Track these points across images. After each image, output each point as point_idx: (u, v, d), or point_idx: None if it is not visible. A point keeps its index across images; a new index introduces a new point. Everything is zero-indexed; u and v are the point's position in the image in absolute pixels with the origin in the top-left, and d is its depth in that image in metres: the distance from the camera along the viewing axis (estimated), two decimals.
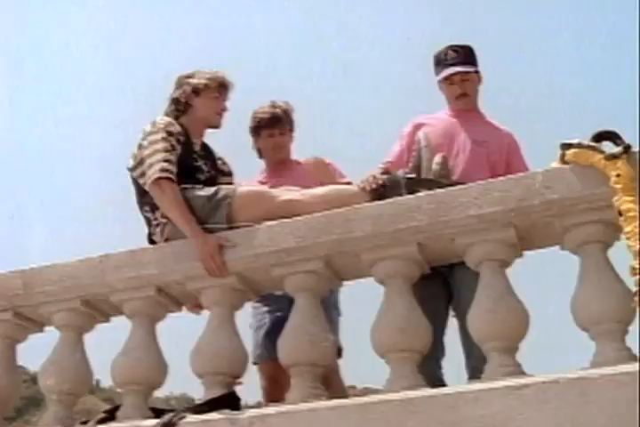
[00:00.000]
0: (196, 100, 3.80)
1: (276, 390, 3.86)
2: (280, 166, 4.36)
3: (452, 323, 3.68)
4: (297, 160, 4.42)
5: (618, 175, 2.77)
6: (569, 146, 3.01)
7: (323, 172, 4.20)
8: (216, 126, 3.89)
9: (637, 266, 2.55)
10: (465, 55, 4.02)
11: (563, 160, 3.02)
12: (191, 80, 3.83)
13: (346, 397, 3.12)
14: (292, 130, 4.39)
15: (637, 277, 2.53)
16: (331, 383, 3.82)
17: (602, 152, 2.88)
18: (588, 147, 2.95)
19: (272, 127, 4.31)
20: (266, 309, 4.15)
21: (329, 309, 3.89)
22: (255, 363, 4.05)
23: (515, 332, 2.90)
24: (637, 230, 2.60)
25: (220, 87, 3.86)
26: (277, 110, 4.33)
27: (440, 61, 4.04)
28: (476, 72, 4.04)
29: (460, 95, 4.01)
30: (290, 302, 3.33)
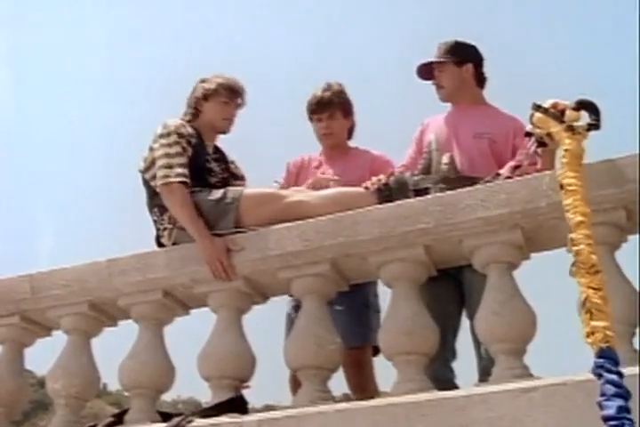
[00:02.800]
0: (205, 105, 3.82)
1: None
2: (334, 153, 4.19)
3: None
4: (355, 147, 4.25)
5: (566, 150, 2.82)
6: (538, 108, 3.04)
7: (373, 164, 4.06)
8: (223, 132, 3.89)
9: (575, 237, 2.57)
10: (444, 49, 3.99)
11: (531, 121, 3.09)
12: (204, 84, 3.85)
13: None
14: (346, 114, 4.17)
15: (575, 248, 2.54)
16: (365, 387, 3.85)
17: (563, 122, 2.92)
18: (553, 115, 2.98)
19: (320, 112, 4.13)
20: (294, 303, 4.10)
21: (368, 308, 3.93)
22: None
23: (522, 334, 2.90)
24: (577, 203, 2.63)
25: (230, 93, 3.85)
26: (326, 93, 4.13)
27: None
28: (458, 64, 3.96)
29: (436, 87, 4.00)
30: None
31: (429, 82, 4.04)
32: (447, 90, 4.00)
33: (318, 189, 3.63)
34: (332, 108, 4.10)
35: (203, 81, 3.88)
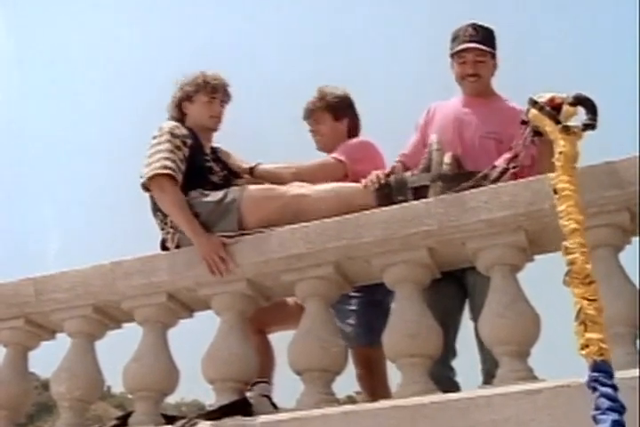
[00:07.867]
0: (190, 107, 3.82)
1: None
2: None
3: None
4: None
5: (560, 153, 2.78)
6: (534, 103, 3.01)
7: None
8: (213, 129, 3.88)
9: (569, 245, 2.53)
10: (484, 36, 3.84)
11: (526, 115, 3.08)
12: (183, 85, 3.83)
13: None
14: (337, 116, 4.11)
15: (569, 256, 2.51)
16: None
17: (559, 122, 2.89)
18: (548, 114, 2.95)
19: (307, 119, 4.16)
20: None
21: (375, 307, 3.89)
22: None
23: (526, 336, 2.90)
24: (571, 209, 2.59)
25: (211, 90, 3.82)
26: (312, 100, 4.14)
27: (457, 37, 3.84)
28: (493, 56, 3.85)
29: (470, 75, 3.81)
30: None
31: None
32: (484, 81, 3.85)
33: None
34: (316, 113, 4.13)
35: (183, 81, 3.84)
